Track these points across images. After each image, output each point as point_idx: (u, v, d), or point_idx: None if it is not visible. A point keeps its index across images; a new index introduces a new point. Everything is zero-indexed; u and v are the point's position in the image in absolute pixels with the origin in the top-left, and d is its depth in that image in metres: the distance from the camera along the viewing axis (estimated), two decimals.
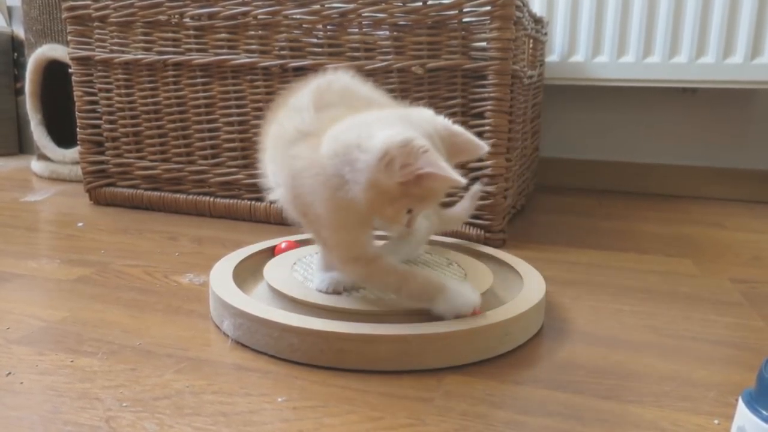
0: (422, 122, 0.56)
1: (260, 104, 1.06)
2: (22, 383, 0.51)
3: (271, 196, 0.63)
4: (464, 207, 0.81)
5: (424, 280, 0.59)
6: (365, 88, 0.66)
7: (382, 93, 0.68)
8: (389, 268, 0.59)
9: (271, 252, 0.80)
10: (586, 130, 1.54)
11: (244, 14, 1.03)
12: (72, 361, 0.55)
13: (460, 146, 0.58)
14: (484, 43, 0.92)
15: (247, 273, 0.74)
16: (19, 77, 1.87)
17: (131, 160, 1.17)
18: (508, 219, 1.04)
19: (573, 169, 1.55)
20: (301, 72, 1.02)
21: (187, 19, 1.07)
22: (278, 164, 0.61)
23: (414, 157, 0.51)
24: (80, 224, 1.06)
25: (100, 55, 1.14)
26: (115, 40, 1.13)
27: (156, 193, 1.16)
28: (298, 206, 0.60)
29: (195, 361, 0.56)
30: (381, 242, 0.73)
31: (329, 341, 0.55)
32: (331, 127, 0.57)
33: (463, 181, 0.50)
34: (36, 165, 1.54)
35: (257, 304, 0.60)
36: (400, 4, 0.94)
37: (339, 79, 0.65)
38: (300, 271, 0.70)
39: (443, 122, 0.58)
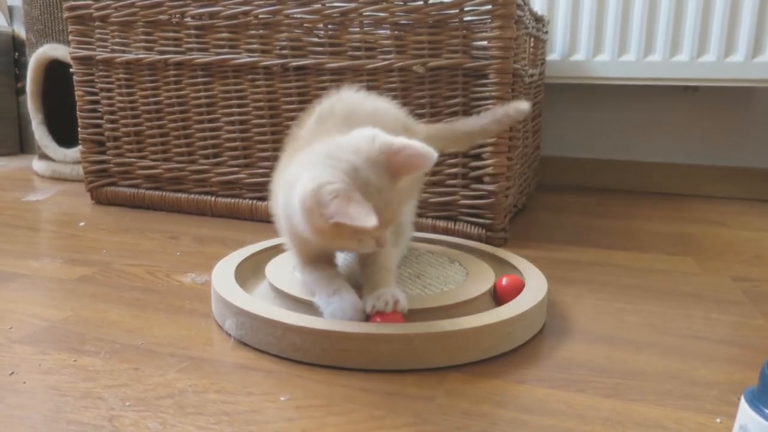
0: (350, 153, 0.54)
1: (261, 104, 1.06)
2: (25, 383, 0.51)
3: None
4: (482, 125, 0.74)
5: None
6: (370, 102, 0.68)
7: (387, 102, 0.70)
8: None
9: (276, 251, 0.79)
10: (587, 129, 1.54)
11: (245, 13, 1.03)
12: (75, 361, 0.55)
13: (406, 162, 0.54)
14: (485, 42, 0.92)
15: (249, 272, 0.74)
16: (20, 77, 1.87)
17: (132, 160, 1.17)
18: (509, 218, 1.04)
19: (574, 168, 1.55)
20: (303, 71, 1.02)
21: (188, 19, 1.07)
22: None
23: (324, 205, 0.50)
24: (82, 224, 1.06)
25: (101, 54, 1.15)
26: (116, 40, 1.13)
27: (157, 193, 1.16)
28: None
29: (197, 361, 0.56)
30: None
31: (332, 340, 0.55)
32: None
33: (374, 222, 0.48)
34: (37, 164, 1.54)
35: (259, 303, 0.60)
36: (401, 3, 0.94)
37: (342, 98, 0.66)
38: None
39: (381, 142, 0.54)
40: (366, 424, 0.46)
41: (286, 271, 0.69)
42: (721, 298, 0.77)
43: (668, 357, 0.59)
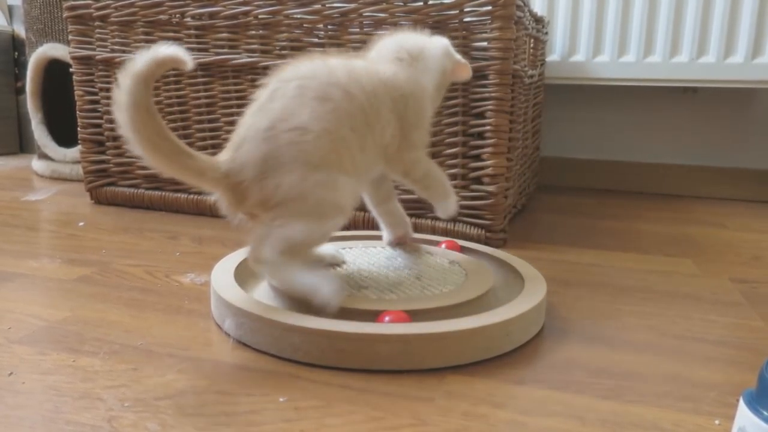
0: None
1: None
2: (23, 383, 0.51)
3: None
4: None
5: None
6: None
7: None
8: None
9: None
10: (586, 130, 1.54)
11: (245, 14, 1.03)
12: (74, 361, 0.55)
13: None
14: (484, 43, 0.92)
15: (248, 272, 0.74)
16: (19, 76, 1.87)
17: (132, 160, 1.17)
18: (508, 219, 1.04)
19: (574, 169, 1.55)
20: None
21: (188, 19, 1.07)
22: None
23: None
24: (81, 224, 1.06)
25: (101, 54, 1.14)
26: (116, 40, 1.13)
27: (157, 193, 1.16)
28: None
29: (196, 361, 0.56)
30: None
31: (331, 341, 0.55)
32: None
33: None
34: (37, 164, 1.54)
35: (259, 303, 0.60)
36: (401, 3, 0.94)
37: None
38: None
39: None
40: (365, 425, 0.46)
41: None
42: (720, 299, 0.77)
43: (667, 358, 0.59)
